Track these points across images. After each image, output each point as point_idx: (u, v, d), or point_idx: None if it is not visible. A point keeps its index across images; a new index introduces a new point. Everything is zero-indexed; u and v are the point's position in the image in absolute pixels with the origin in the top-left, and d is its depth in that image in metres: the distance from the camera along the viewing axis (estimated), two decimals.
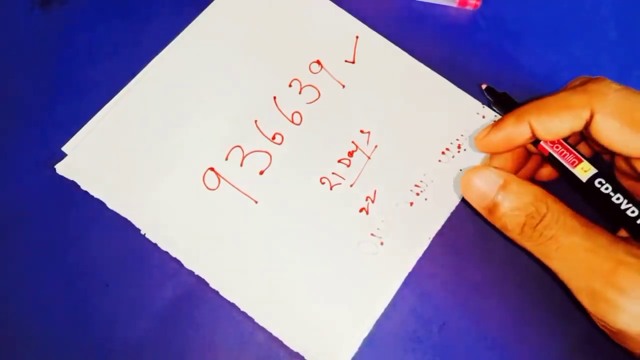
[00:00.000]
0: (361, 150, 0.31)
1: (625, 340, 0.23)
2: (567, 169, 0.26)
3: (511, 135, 0.26)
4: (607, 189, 0.24)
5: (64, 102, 0.32)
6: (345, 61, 0.33)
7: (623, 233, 0.25)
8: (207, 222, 0.30)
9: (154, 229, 0.29)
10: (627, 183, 0.27)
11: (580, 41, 0.34)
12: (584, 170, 0.25)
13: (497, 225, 0.25)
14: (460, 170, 0.31)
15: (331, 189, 0.31)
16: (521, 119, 0.26)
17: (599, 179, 0.25)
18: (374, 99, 0.32)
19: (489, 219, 0.26)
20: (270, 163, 0.31)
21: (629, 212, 0.24)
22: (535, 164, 0.30)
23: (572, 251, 0.23)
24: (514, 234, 0.25)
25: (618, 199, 0.24)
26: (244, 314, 0.28)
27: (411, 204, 0.30)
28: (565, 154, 0.26)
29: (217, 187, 0.30)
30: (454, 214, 0.30)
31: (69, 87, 0.32)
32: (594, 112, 0.24)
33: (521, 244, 0.25)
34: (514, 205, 0.24)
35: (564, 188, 0.27)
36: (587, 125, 0.24)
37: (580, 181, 0.25)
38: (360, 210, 0.30)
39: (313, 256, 0.29)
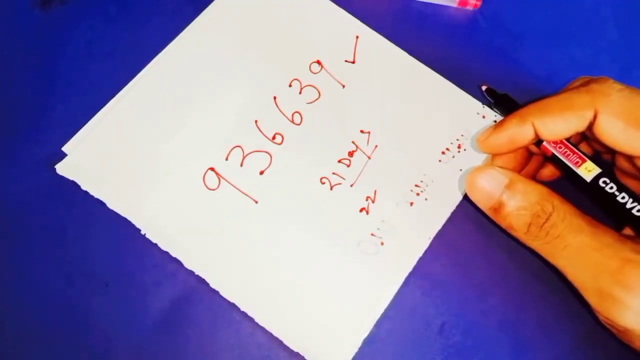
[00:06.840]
0: (361, 150, 0.31)
1: (632, 338, 0.23)
2: (571, 169, 0.26)
3: (514, 136, 0.26)
4: (611, 188, 0.24)
5: (64, 102, 0.32)
6: (345, 61, 0.33)
7: (628, 231, 0.25)
8: (207, 222, 0.30)
9: (154, 229, 0.29)
10: (627, 182, 0.28)
11: (580, 41, 0.34)
12: (587, 170, 0.25)
13: (503, 225, 0.25)
14: (460, 170, 0.31)
15: (331, 189, 0.31)
16: (524, 119, 0.26)
17: (603, 179, 0.25)
18: (374, 99, 0.32)
19: (495, 218, 0.26)
20: (270, 163, 0.31)
21: (634, 211, 0.24)
22: (536, 164, 0.30)
23: (579, 250, 0.23)
24: (520, 234, 0.25)
25: (623, 197, 0.24)
26: (244, 314, 0.28)
27: (411, 204, 0.30)
28: (569, 154, 0.26)
29: (217, 187, 0.30)
30: (454, 214, 0.30)
31: (69, 87, 0.32)
32: (598, 113, 0.24)
33: (527, 244, 0.25)
34: (520, 204, 0.24)
35: (567, 188, 0.27)
36: (591, 125, 0.24)
37: (585, 181, 0.25)
38: (360, 210, 0.30)
39: (313, 256, 0.29)
